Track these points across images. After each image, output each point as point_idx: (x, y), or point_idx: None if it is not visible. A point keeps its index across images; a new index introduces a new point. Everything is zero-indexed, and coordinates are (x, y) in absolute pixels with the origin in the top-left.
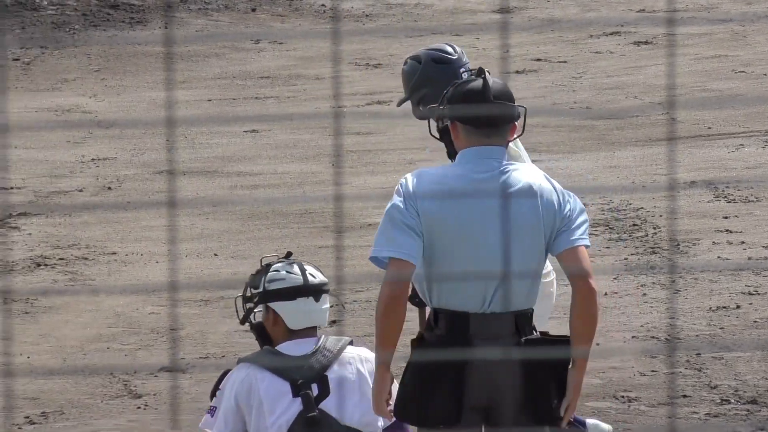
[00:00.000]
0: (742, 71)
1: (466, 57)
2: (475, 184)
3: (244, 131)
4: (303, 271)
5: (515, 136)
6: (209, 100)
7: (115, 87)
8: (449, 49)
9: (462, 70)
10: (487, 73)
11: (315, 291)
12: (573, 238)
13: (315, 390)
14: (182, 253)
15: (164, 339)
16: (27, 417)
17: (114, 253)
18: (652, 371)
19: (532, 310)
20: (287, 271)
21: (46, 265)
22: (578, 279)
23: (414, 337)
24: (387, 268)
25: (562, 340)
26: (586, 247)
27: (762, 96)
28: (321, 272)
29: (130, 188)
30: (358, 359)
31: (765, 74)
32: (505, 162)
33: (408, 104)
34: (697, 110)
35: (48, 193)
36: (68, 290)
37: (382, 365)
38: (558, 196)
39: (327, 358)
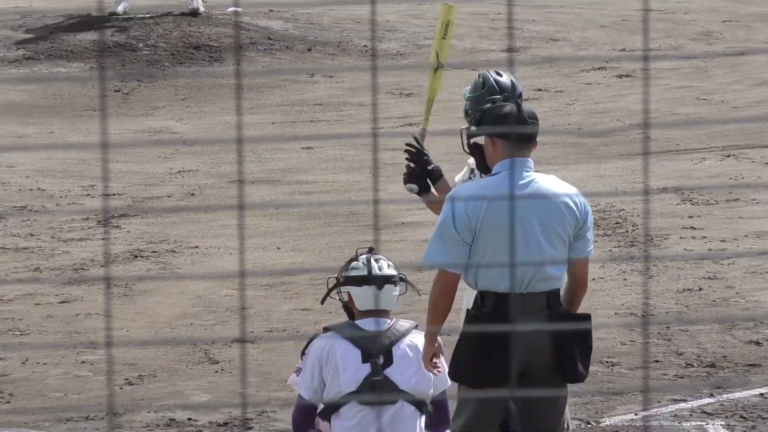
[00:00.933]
0: (704, 99)
1: (519, 89)
2: (513, 188)
3: (301, 148)
4: (369, 263)
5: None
6: (273, 123)
7: (196, 112)
8: (509, 87)
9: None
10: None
11: (378, 281)
12: (588, 248)
13: (381, 359)
14: (251, 247)
15: (236, 316)
16: (126, 379)
17: (196, 247)
18: (631, 341)
19: (560, 289)
20: (363, 263)
21: (141, 256)
22: (581, 282)
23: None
24: (438, 272)
25: (585, 316)
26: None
27: (720, 119)
28: (392, 266)
29: (209, 194)
30: (419, 340)
31: (722, 101)
32: (534, 171)
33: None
34: (668, 130)
35: (143, 198)
36: (159, 277)
37: (432, 335)
38: (582, 203)
39: (396, 336)
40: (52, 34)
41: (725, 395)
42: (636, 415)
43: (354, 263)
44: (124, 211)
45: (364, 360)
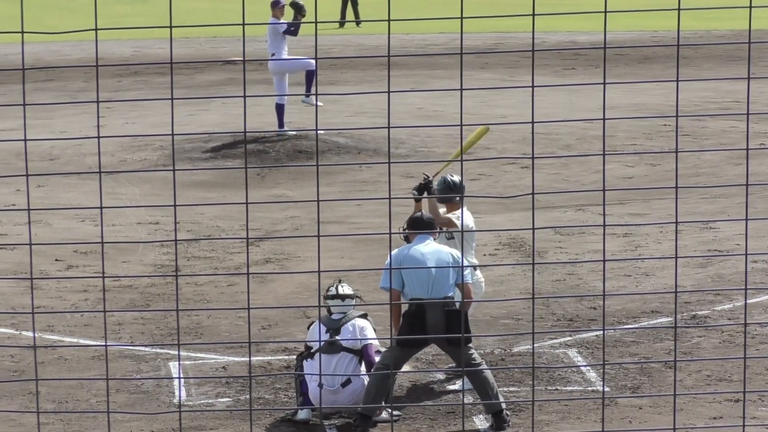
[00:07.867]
0: None
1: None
2: (420, 247)
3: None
4: (336, 288)
5: (437, 233)
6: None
7: (300, 186)
8: (458, 183)
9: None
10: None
11: (338, 297)
12: (466, 277)
13: (334, 332)
14: (324, 257)
15: (316, 294)
16: (262, 326)
17: (299, 256)
18: (528, 307)
19: (453, 296)
20: (335, 287)
21: (270, 261)
22: (466, 294)
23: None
24: (390, 291)
25: (461, 310)
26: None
27: None
28: (349, 288)
29: (306, 229)
30: (357, 321)
31: None
32: (431, 240)
33: None
34: None
35: (271, 231)
36: (279, 272)
37: (395, 320)
38: (456, 254)
39: (346, 320)
40: (226, 148)
41: (576, 336)
42: (530, 347)
43: (330, 288)
44: (262, 236)
45: (326, 331)
